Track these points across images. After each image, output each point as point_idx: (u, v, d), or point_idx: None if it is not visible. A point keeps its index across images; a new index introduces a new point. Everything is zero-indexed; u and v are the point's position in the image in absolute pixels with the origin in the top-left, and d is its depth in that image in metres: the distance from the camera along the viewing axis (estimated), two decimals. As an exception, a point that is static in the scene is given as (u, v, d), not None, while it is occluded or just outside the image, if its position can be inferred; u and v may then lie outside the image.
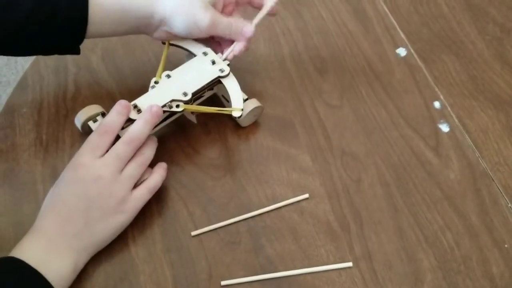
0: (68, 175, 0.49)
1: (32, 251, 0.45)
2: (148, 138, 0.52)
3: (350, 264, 0.51)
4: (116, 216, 0.49)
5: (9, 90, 1.38)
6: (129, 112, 0.51)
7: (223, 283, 0.49)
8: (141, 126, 0.50)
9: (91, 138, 0.50)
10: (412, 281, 0.50)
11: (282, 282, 0.50)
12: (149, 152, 0.52)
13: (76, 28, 0.51)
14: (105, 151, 0.49)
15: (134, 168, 0.50)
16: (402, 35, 0.69)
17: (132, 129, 0.50)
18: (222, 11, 0.57)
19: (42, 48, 0.54)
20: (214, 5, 0.55)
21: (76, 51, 0.55)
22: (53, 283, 0.44)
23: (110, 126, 0.50)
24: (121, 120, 0.51)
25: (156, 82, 0.54)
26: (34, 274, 0.43)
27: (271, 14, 0.59)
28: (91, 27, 0.52)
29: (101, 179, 0.48)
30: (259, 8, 0.58)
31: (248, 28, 0.56)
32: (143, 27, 0.55)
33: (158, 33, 0.56)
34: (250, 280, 0.50)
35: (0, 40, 0.51)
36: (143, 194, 0.50)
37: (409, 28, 0.70)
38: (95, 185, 0.47)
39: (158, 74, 0.55)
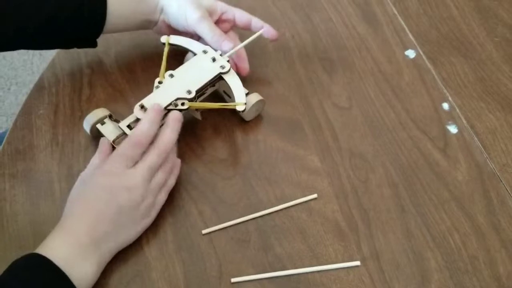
0: (98, 181, 0.50)
1: (58, 250, 0.46)
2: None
3: (358, 263, 0.52)
4: (142, 221, 0.51)
5: (25, 90, 1.41)
6: (161, 118, 0.53)
7: (233, 280, 0.50)
8: (169, 135, 0.52)
9: (124, 148, 0.51)
10: (419, 281, 0.51)
11: (291, 280, 0.51)
12: (173, 156, 0.54)
13: (96, 23, 0.57)
14: (136, 161, 0.51)
15: (162, 177, 0.52)
16: (411, 37, 0.69)
17: (162, 139, 0.52)
18: (219, 26, 0.60)
19: (64, 42, 0.59)
20: (209, 13, 0.59)
21: (94, 45, 0.60)
22: (75, 283, 0.45)
23: (143, 137, 0.51)
24: (154, 129, 0.52)
25: (160, 82, 0.55)
26: (58, 273, 0.44)
27: (272, 40, 0.62)
28: (108, 22, 0.57)
29: (133, 189, 0.49)
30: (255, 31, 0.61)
31: (227, 45, 0.58)
32: (150, 20, 0.61)
33: (159, 25, 0.61)
34: (260, 278, 0.51)
35: (28, 35, 0.56)
36: (163, 197, 0.53)
37: (418, 30, 0.70)
38: (127, 194, 0.49)
39: (161, 74, 0.56)
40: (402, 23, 0.71)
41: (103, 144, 0.54)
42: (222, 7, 0.61)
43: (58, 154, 0.58)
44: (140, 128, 0.51)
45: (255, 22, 0.61)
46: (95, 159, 0.53)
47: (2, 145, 0.58)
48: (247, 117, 0.60)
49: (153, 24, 0.62)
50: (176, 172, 0.54)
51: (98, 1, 0.56)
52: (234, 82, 0.57)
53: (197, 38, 0.61)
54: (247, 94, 0.58)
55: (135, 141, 0.51)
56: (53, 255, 0.45)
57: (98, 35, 0.59)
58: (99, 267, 0.48)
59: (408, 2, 0.73)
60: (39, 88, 0.63)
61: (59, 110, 0.62)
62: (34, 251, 0.45)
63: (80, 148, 0.58)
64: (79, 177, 0.52)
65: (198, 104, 0.57)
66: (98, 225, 0.48)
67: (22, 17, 0.54)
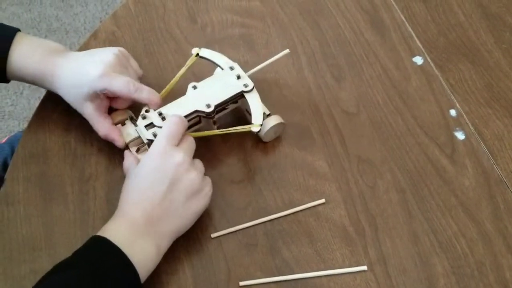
0: (149, 163, 0.51)
1: (118, 234, 0.48)
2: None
3: (364, 267, 0.52)
4: (195, 200, 0.51)
5: (37, 94, 1.43)
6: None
7: (242, 283, 0.51)
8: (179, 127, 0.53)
9: (167, 128, 0.52)
10: (426, 286, 0.51)
11: (298, 284, 0.51)
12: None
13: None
14: (179, 139, 0.52)
15: (199, 163, 0.54)
16: (419, 44, 0.70)
17: (177, 116, 0.54)
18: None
19: None
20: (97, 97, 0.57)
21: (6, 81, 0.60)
22: (137, 265, 0.46)
23: (183, 119, 0.54)
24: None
25: (146, 111, 0.55)
26: (119, 253, 0.46)
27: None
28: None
29: (182, 163, 0.51)
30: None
31: (155, 97, 0.56)
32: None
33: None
34: (268, 281, 0.51)
35: None
36: (209, 185, 0.53)
37: (425, 37, 0.71)
38: (178, 169, 0.50)
39: (172, 83, 0.57)
40: (410, 29, 0.71)
41: (127, 155, 0.56)
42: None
43: (71, 157, 0.59)
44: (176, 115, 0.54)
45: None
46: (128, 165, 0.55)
47: (16, 149, 0.60)
48: (265, 138, 0.60)
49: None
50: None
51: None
52: (254, 102, 0.57)
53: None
54: (268, 115, 0.58)
55: (175, 121, 0.53)
56: (112, 236, 0.47)
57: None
58: (158, 250, 0.49)
59: (416, 8, 0.74)
60: (52, 92, 0.65)
61: (72, 114, 0.63)
62: (95, 234, 0.48)
63: (93, 152, 0.59)
64: (130, 175, 0.53)
65: (212, 132, 0.57)
66: (154, 208, 0.49)
67: None
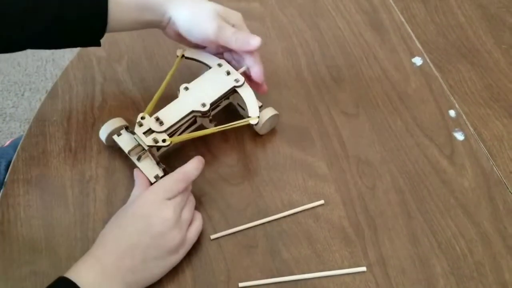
0: (136, 210, 0.50)
1: (86, 277, 0.46)
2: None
3: (364, 268, 0.52)
4: (171, 256, 0.50)
5: (38, 96, 1.44)
6: (202, 167, 0.55)
7: (241, 285, 0.51)
8: (195, 171, 0.54)
9: (167, 181, 0.52)
10: (425, 287, 0.51)
11: (298, 285, 0.51)
12: (192, 197, 0.55)
13: (98, 25, 0.56)
14: (175, 196, 0.52)
15: (189, 213, 0.53)
16: (418, 45, 0.70)
17: (187, 170, 0.53)
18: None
19: (69, 42, 0.58)
20: (223, 19, 0.57)
21: (98, 44, 0.59)
22: None
23: (188, 176, 0.53)
24: (197, 174, 0.54)
25: (142, 118, 0.55)
26: None
27: (262, 92, 0.60)
28: (111, 23, 0.56)
29: (167, 220, 0.50)
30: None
31: (255, 40, 0.56)
32: (157, 23, 0.59)
33: (169, 30, 0.59)
34: (267, 283, 0.52)
35: (32, 37, 0.55)
36: (194, 236, 0.53)
37: (425, 38, 0.71)
38: (161, 225, 0.49)
39: (163, 86, 0.57)
40: (409, 30, 0.72)
41: (139, 177, 0.55)
42: (233, 17, 0.59)
43: (71, 160, 0.59)
44: (187, 168, 0.53)
45: (252, 60, 0.58)
46: (135, 191, 0.54)
47: (16, 151, 0.60)
48: (261, 131, 0.61)
49: (161, 29, 0.61)
50: (200, 217, 0.54)
51: (99, 8, 0.55)
52: (248, 95, 0.57)
53: (203, 47, 0.61)
54: (261, 107, 0.59)
55: (178, 178, 0.52)
56: (79, 278, 0.46)
57: (100, 37, 0.58)
58: None
59: (415, 10, 0.74)
60: (52, 95, 0.65)
61: (72, 117, 0.63)
62: (64, 275, 0.46)
63: (92, 154, 0.60)
64: (119, 210, 0.52)
65: (215, 129, 0.57)
66: (128, 257, 0.48)
67: (28, 19, 0.54)
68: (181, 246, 0.51)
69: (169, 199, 0.51)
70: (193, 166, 0.54)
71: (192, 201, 0.54)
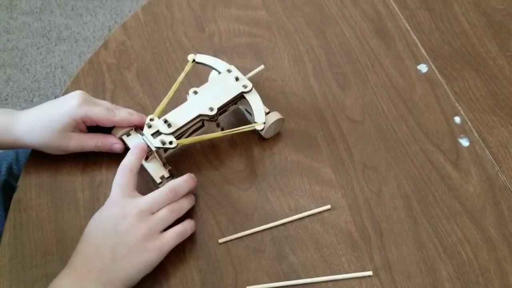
0: (103, 213, 0.52)
1: (60, 285, 0.48)
2: (188, 193, 0.56)
3: (370, 273, 0.53)
4: (141, 254, 0.50)
5: (47, 102, 1.45)
6: (195, 184, 0.56)
7: (248, 288, 0.52)
8: (183, 182, 0.55)
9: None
10: (430, 291, 0.52)
11: (304, 289, 0.52)
12: (186, 204, 0.55)
13: None
14: (134, 186, 0.53)
15: (166, 213, 0.52)
16: (424, 52, 0.71)
17: (175, 182, 0.54)
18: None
19: None
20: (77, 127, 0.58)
21: None
22: None
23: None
24: (187, 188, 0.55)
25: (151, 119, 0.57)
26: None
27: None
28: None
29: (130, 216, 0.51)
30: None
31: (117, 146, 0.59)
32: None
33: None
34: (274, 286, 0.52)
35: None
36: (171, 237, 0.52)
37: (430, 45, 0.71)
38: (125, 222, 0.50)
39: (172, 91, 0.59)
40: (415, 38, 0.72)
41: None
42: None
43: (82, 164, 0.61)
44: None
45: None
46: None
47: (28, 156, 0.61)
48: (267, 135, 0.62)
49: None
50: (191, 222, 0.55)
51: None
52: (255, 101, 0.59)
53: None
54: (267, 113, 0.60)
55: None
56: None
57: None
58: None
59: (421, 17, 0.75)
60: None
61: (83, 122, 0.64)
62: None
63: (103, 159, 0.61)
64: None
65: (221, 133, 0.58)
66: (97, 258, 0.49)
67: None
68: (151, 243, 0.50)
69: (130, 194, 0.52)
70: (185, 180, 0.55)
71: (179, 203, 0.54)
